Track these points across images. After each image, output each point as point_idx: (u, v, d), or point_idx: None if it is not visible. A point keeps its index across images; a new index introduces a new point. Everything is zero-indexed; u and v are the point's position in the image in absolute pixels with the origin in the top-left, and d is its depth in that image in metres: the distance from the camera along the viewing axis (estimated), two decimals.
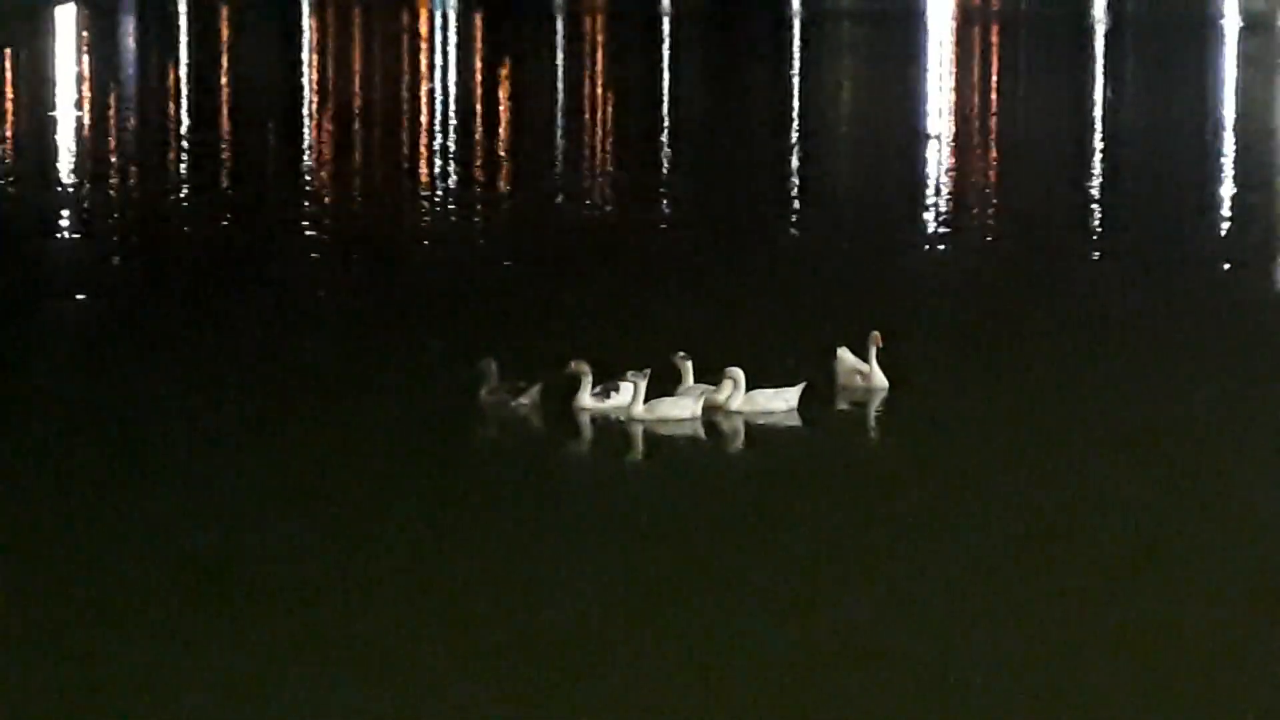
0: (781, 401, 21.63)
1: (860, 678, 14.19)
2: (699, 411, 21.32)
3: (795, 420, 21.74)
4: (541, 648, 14.72)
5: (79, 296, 29.93)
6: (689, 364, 22.13)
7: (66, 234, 37.99)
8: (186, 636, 14.89)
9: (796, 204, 43.60)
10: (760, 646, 14.74)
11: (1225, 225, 39.82)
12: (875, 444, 21.81)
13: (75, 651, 14.65)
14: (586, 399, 21.88)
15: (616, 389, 21.70)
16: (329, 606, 15.55)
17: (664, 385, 21.82)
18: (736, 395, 21.53)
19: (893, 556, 17.11)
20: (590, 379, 21.83)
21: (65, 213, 40.31)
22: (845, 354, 23.20)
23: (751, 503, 18.90)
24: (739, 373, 21.60)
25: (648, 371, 21.37)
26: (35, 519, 18.02)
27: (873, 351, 23.21)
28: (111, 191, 44.12)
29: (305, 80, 75.29)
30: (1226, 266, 33.87)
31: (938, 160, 51.49)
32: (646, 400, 21.20)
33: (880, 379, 23.21)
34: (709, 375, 22.02)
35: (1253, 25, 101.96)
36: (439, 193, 44.58)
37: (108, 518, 18.09)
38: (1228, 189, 45.70)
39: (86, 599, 15.84)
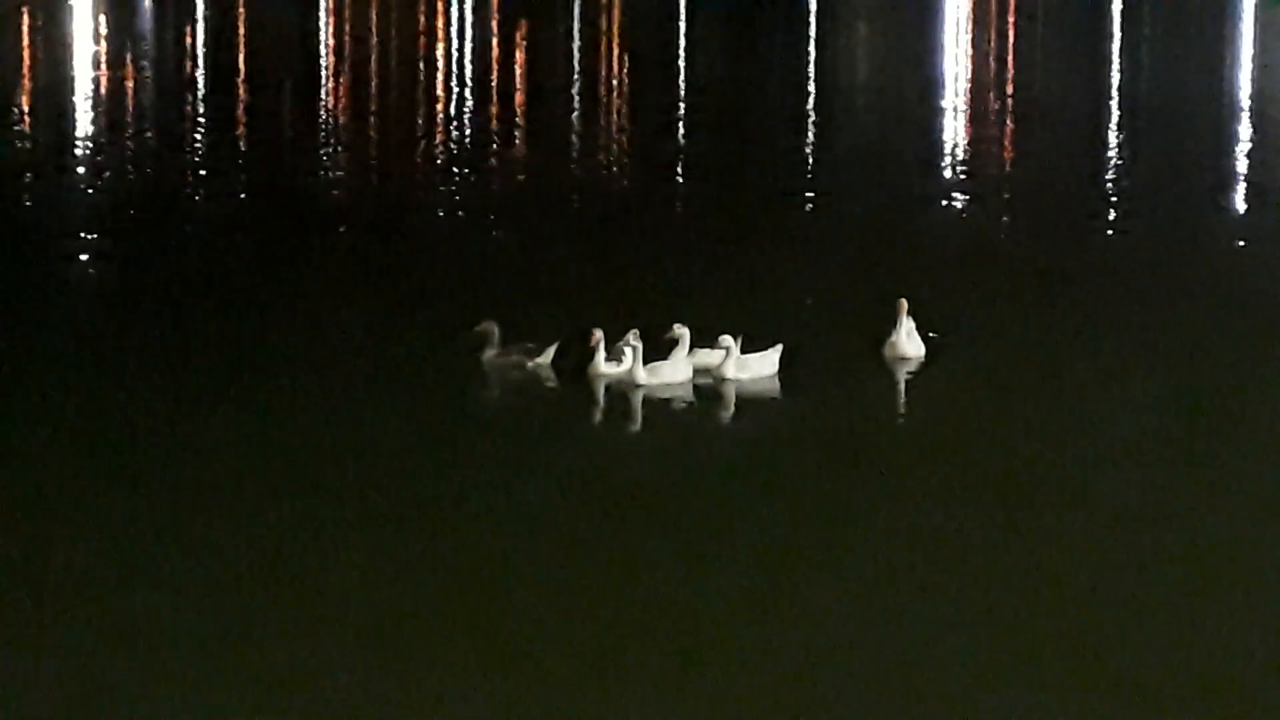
0: (770, 365, 21.33)
1: (860, 644, 13.60)
2: (690, 374, 21.07)
3: (782, 386, 21.28)
4: (539, 616, 14.12)
5: (83, 257, 29.55)
6: (686, 332, 21.40)
7: (77, 193, 37.35)
8: (185, 606, 14.34)
9: (812, 170, 42.81)
10: (763, 616, 14.19)
11: (1241, 186, 39.35)
12: (872, 411, 20.88)
13: (88, 624, 14.04)
14: (602, 364, 21.12)
15: (623, 355, 21.04)
16: (334, 576, 14.97)
17: (665, 353, 21.36)
18: (730, 362, 21.08)
19: (900, 523, 16.56)
20: (603, 344, 21.23)
21: (79, 170, 39.97)
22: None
23: (752, 468, 18.41)
24: (730, 340, 21.21)
25: (636, 333, 21.08)
26: (35, 494, 17.38)
27: (901, 318, 22.35)
28: (126, 151, 43.49)
29: (321, 42, 74.41)
30: (1242, 227, 33.29)
31: (955, 127, 50.55)
32: (646, 365, 20.92)
33: (905, 346, 22.39)
34: (705, 341, 21.62)
35: None
36: (452, 157, 43.95)
37: (111, 480, 17.63)
38: (1243, 150, 45.28)
39: (92, 572, 15.18)
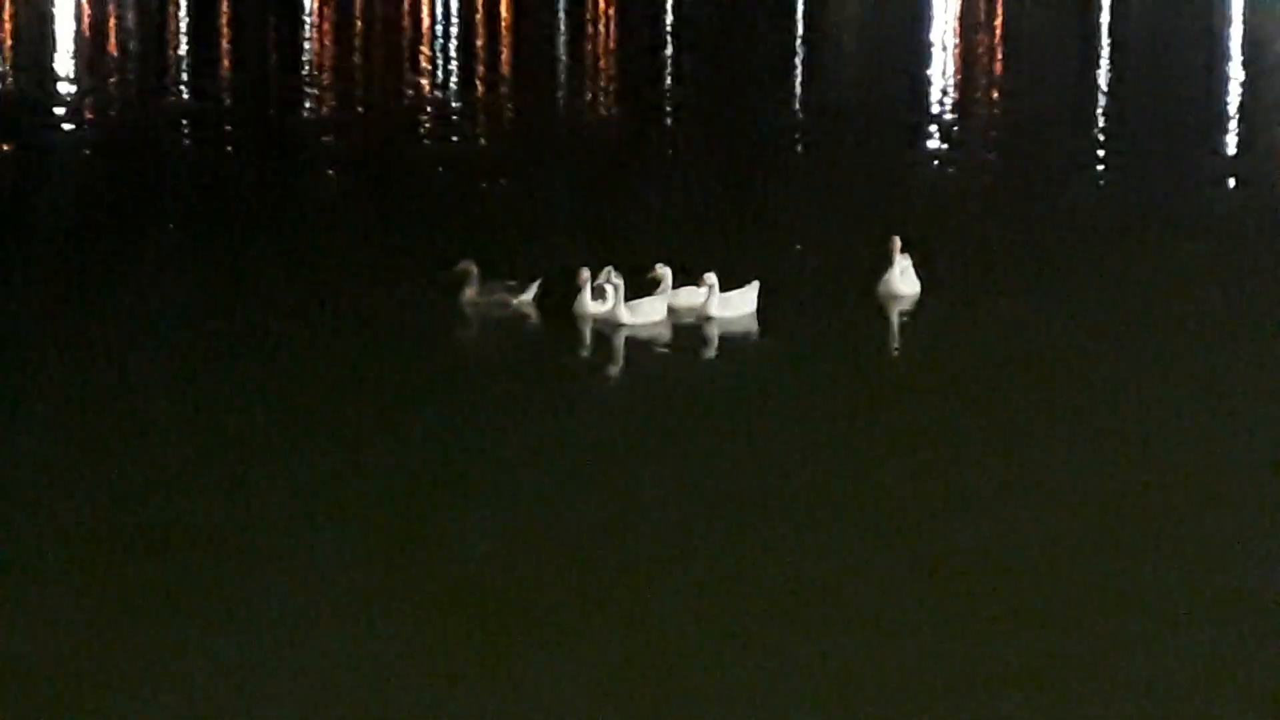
0: (749, 302, 20.93)
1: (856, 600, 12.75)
2: (664, 312, 20.73)
3: (775, 325, 20.70)
4: (524, 561, 13.39)
5: (68, 197, 29.33)
6: (668, 271, 21.01)
7: (60, 132, 37.05)
8: (173, 557, 13.68)
9: (802, 115, 42.49)
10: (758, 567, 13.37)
11: (1231, 128, 39.20)
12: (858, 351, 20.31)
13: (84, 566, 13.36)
14: (588, 303, 20.59)
15: (605, 293, 20.56)
16: (315, 519, 14.36)
17: (647, 291, 21.06)
18: (713, 299, 20.72)
19: (894, 458, 15.99)
20: (590, 284, 20.66)
21: (61, 111, 39.54)
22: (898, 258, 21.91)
23: (745, 406, 17.82)
24: (713, 277, 20.78)
25: (613, 270, 20.64)
26: (26, 431, 16.87)
27: (895, 256, 21.83)
28: (111, 93, 43.16)
29: None
30: (1232, 167, 32.83)
31: (945, 73, 49.99)
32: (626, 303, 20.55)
33: (899, 284, 21.88)
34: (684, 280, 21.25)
35: None
36: (437, 101, 43.43)
37: (96, 429, 16.90)
38: (1233, 93, 45.15)
39: (96, 519, 14.51)
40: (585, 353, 19.80)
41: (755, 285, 21.04)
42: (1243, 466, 15.78)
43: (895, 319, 21.14)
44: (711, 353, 19.93)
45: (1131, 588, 12.98)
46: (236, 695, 11.25)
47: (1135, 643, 12.05)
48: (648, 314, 20.49)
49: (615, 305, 20.35)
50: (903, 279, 21.79)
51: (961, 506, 14.65)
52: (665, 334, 20.27)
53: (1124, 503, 14.79)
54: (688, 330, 20.43)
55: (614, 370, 19.32)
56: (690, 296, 20.92)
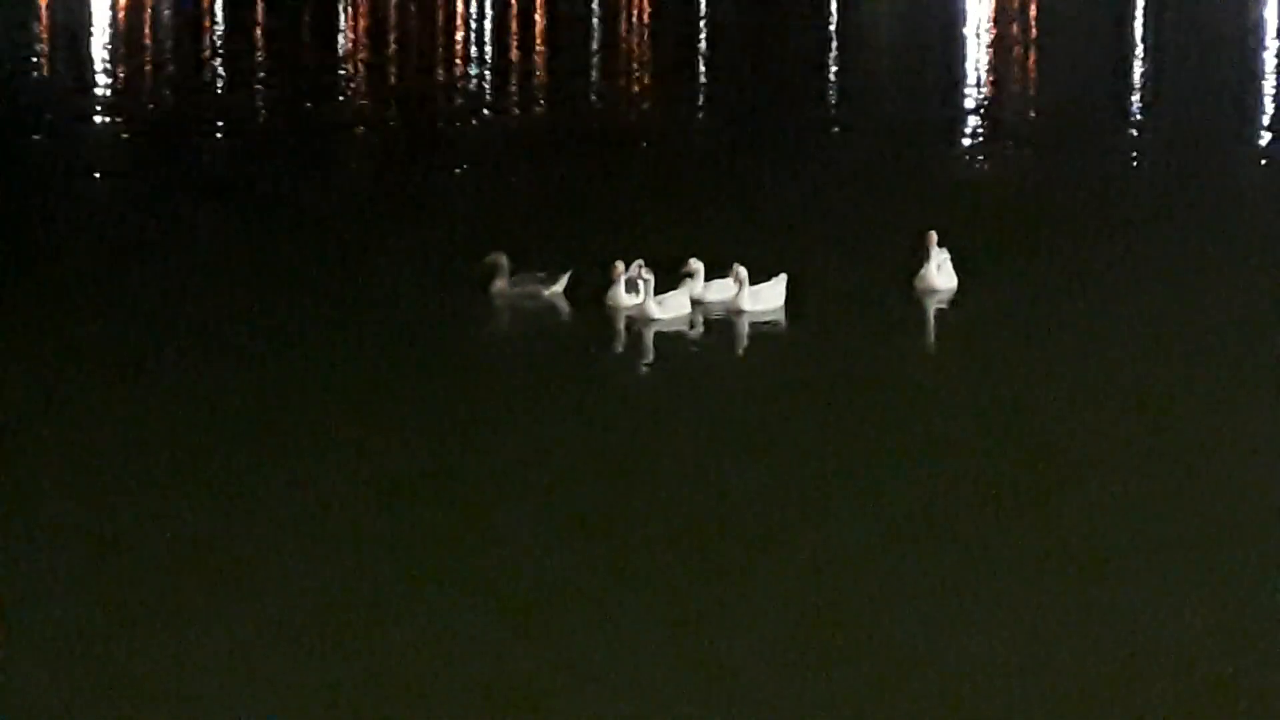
0: (779, 295, 20.56)
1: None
2: (690, 306, 20.39)
3: (810, 319, 20.44)
4: (555, 551, 13.06)
5: (98, 175, 29.35)
6: (700, 266, 20.74)
7: (93, 109, 37.01)
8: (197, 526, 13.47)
9: (836, 106, 42.23)
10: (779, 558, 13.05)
11: (1267, 118, 38.75)
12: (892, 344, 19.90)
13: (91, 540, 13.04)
14: (622, 296, 20.30)
15: (637, 286, 20.24)
16: (343, 509, 14.13)
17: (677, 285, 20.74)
18: (744, 293, 20.42)
19: (927, 453, 15.62)
20: (624, 277, 20.36)
21: (96, 89, 39.36)
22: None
23: (779, 400, 17.48)
24: (744, 271, 20.45)
25: (642, 263, 20.33)
26: (37, 396, 17.07)
27: (931, 250, 21.43)
28: (145, 69, 43.06)
29: None
30: (1270, 157, 32.65)
31: (978, 67, 49.60)
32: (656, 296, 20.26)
33: (935, 279, 21.47)
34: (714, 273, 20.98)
35: None
36: (472, 95, 43.20)
37: (116, 410, 16.79)
38: (1268, 83, 44.77)
39: (105, 493, 14.48)
40: (617, 346, 19.47)
41: (783, 278, 20.67)
42: None
43: (931, 314, 20.76)
44: (743, 347, 19.60)
45: (1172, 585, 12.58)
46: (262, 684, 10.92)
47: (1175, 640, 11.66)
48: (676, 308, 20.15)
49: (645, 299, 20.03)
50: (939, 273, 21.40)
51: (996, 504, 14.28)
52: (696, 328, 19.95)
53: (1163, 500, 14.39)
54: (719, 324, 20.09)
55: (645, 364, 18.98)
56: (721, 290, 20.60)
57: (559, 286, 20.99)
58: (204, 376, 17.78)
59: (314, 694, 10.98)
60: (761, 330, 19.92)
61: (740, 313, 20.28)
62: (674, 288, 20.29)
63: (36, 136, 34.80)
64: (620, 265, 20.27)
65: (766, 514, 14.02)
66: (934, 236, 21.35)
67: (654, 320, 19.88)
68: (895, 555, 13.15)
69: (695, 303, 20.43)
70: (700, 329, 19.89)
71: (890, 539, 13.50)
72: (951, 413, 16.81)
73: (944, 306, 20.94)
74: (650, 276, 20.02)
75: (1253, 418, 16.82)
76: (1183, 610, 12.23)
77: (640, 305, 20.04)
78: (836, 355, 19.07)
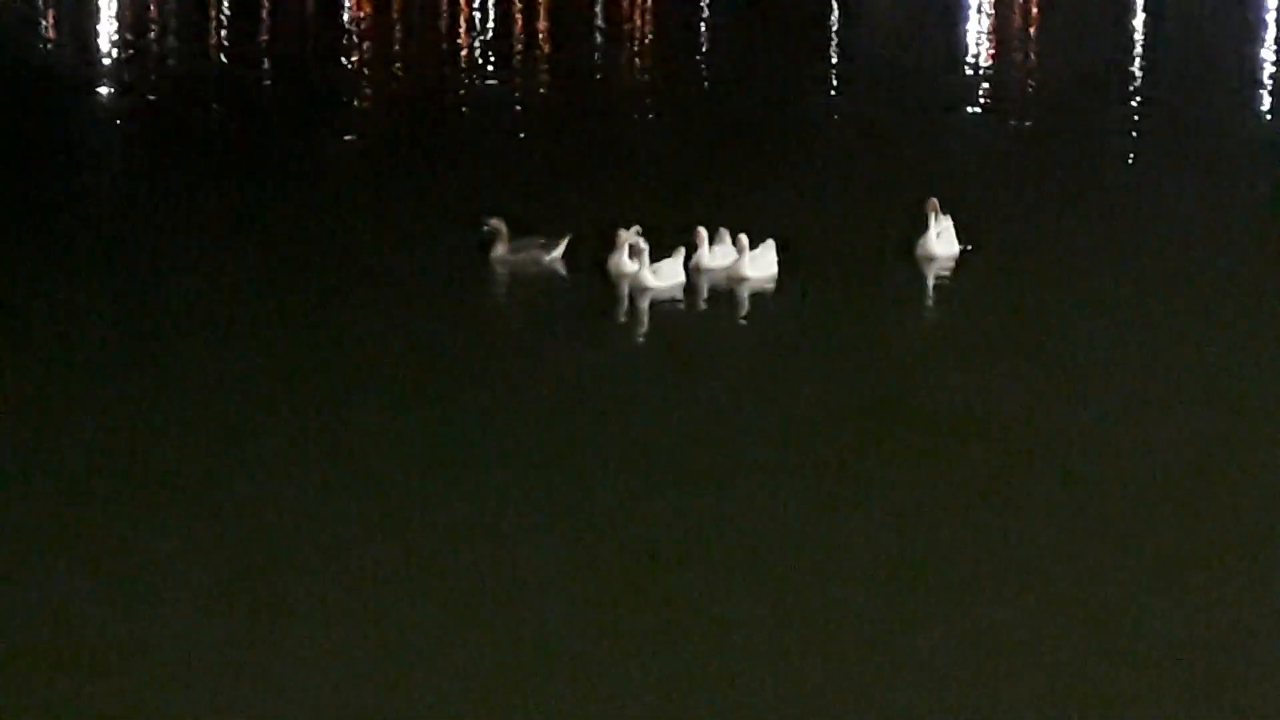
0: (771, 262, 20.31)
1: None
2: (683, 275, 20.09)
3: (811, 287, 20.11)
4: (553, 525, 12.79)
5: (100, 153, 29.32)
6: (704, 233, 20.50)
7: (96, 74, 36.91)
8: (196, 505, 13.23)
9: (837, 76, 41.96)
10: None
11: (1267, 91, 38.62)
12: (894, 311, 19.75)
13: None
14: (625, 263, 19.99)
15: (638, 253, 19.90)
16: (340, 481, 13.82)
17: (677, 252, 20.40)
18: (744, 260, 20.21)
19: (928, 418, 15.35)
20: (626, 244, 20.07)
21: (102, 65, 39.30)
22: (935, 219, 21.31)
23: (779, 367, 17.23)
24: (744, 239, 20.22)
25: (638, 229, 20.14)
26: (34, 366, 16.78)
27: (932, 218, 21.19)
28: (149, 35, 42.94)
29: None
30: (1271, 131, 32.10)
31: (980, 37, 49.37)
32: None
33: (935, 247, 21.23)
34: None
35: None
36: (472, 62, 42.97)
37: (122, 385, 16.46)
38: (1269, 56, 44.66)
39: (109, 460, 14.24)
40: (616, 314, 19.21)
41: (771, 243, 20.38)
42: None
43: (932, 281, 20.53)
44: (743, 314, 19.33)
45: (1175, 564, 12.34)
46: (254, 670, 10.68)
47: (1183, 618, 11.41)
48: (670, 276, 19.86)
49: (640, 267, 19.78)
50: (940, 241, 21.16)
51: (996, 475, 14.01)
52: (695, 295, 19.70)
53: (1168, 471, 14.14)
54: (718, 292, 19.86)
55: (642, 332, 18.73)
56: (721, 257, 20.36)
57: (557, 252, 20.82)
58: (201, 343, 17.56)
59: (300, 667, 10.76)
60: (761, 298, 19.69)
61: (742, 280, 20.06)
62: (675, 255, 20.07)
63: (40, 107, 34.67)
64: (622, 232, 20.05)
65: (765, 485, 13.76)
66: (935, 204, 21.14)
67: (648, 289, 19.66)
68: (894, 529, 12.90)
69: (697, 270, 20.20)
70: (700, 296, 19.67)
71: (890, 512, 13.24)
72: (951, 381, 16.57)
73: (944, 274, 20.72)
74: (644, 246, 19.78)
75: (1254, 384, 16.59)
76: (1180, 573, 12.02)
77: (635, 273, 19.80)
78: (835, 323, 18.84)
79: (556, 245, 20.82)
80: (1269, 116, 35.74)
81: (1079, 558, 12.37)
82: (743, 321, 19.14)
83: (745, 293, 19.75)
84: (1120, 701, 10.32)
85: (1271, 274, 21.05)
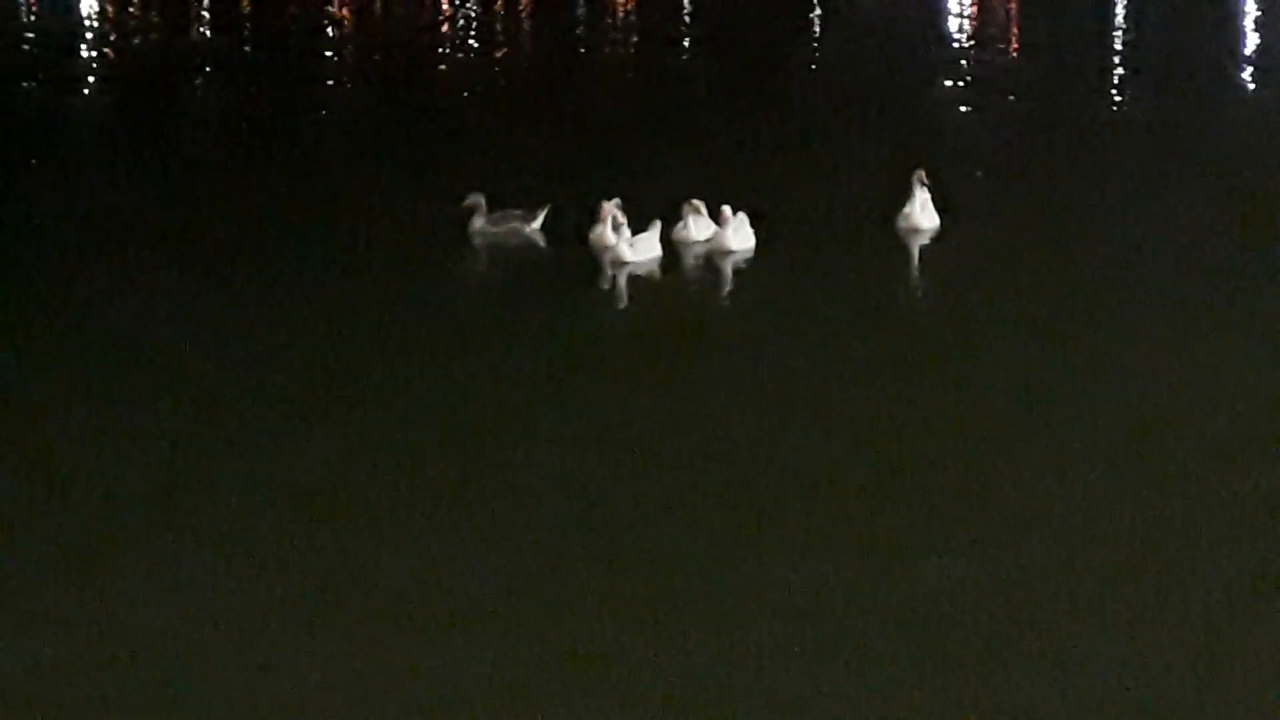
0: (748, 235, 20.00)
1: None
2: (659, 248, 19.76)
3: (792, 258, 19.80)
4: (537, 494, 12.47)
5: (81, 111, 29.29)
6: (702, 205, 20.26)
7: (83, 52, 36.29)
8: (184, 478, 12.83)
9: (820, 47, 41.66)
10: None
11: (1249, 60, 38.76)
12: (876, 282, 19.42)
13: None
14: (608, 235, 19.64)
15: (618, 226, 19.62)
16: (317, 454, 13.59)
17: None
18: (728, 232, 19.90)
19: (914, 389, 15.04)
20: (609, 217, 19.71)
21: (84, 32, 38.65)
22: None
23: (762, 338, 16.93)
24: (729, 210, 19.97)
25: (618, 201, 19.79)
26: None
27: (918, 189, 20.88)
28: (131, 16, 42.74)
29: None
30: (1251, 100, 32.26)
31: (963, 13, 49.19)
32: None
33: (919, 218, 20.92)
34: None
35: None
36: (454, 36, 42.73)
37: (96, 354, 16.42)
38: (1249, 25, 44.72)
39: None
40: (597, 286, 18.94)
41: (743, 217, 20.03)
42: (1267, 401, 14.80)
43: (915, 253, 20.27)
44: (727, 285, 19.06)
45: (1154, 536, 12.06)
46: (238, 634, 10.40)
47: (1169, 578, 11.16)
48: (647, 250, 19.54)
49: (619, 241, 19.48)
50: (923, 213, 20.87)
51: (980, 447, 13.72)
52: (676, 268, 19.43)
53: (1148, 444, 13.86)
54: (699, 264, 19.63)
55: (623, 304, 18.47)
56: (703, 229, 20.09)
57: (536, 223, 20.63)
58: (178, 319, 17.34)
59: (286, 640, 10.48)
60: (744, 269, 19.42)
61: (726, 252, 19.77)
62: (666, 229, 19.82)
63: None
64: (605, 205, 19.75)
65: (748, 454, 13.51)
66: (923, 174, 20.82)
67: (626, 262, 19.36)
68: (879, 496, 12.65)
69: (680, 243, 19.95)
70: (681, 269, 19.42)
71: (874, 480, 12.99)
72: (936, 351, 16.31)
73: (927, 244, 20.48)
74: (624, 218, 19.50)
75: (1237, 347, 16.35)
76: (1180, 556, 11.77)
77: (614, 247, 19.49)
78: (816, 295, 18.57)
79: (536, 216, 20.62)
80: (1251, 84, 35.63)
81: (1064, 519, 12.12)
82: (726, 293, 18.90)
83: (728, 265, 19.48)
84: (1104, 658, 10.08)
85: (1255, 237, 20.82)
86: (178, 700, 9.82)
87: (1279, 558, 11.49)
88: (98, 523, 12.17)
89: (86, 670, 10.12)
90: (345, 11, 46.52)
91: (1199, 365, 15.98)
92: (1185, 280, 19.11)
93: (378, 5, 50.03)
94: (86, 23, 44.46)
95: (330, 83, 35.00)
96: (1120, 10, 52.88)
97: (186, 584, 11.15)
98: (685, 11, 49.99)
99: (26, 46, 40.18)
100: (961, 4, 51.08)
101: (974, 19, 48.03)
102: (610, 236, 19.56)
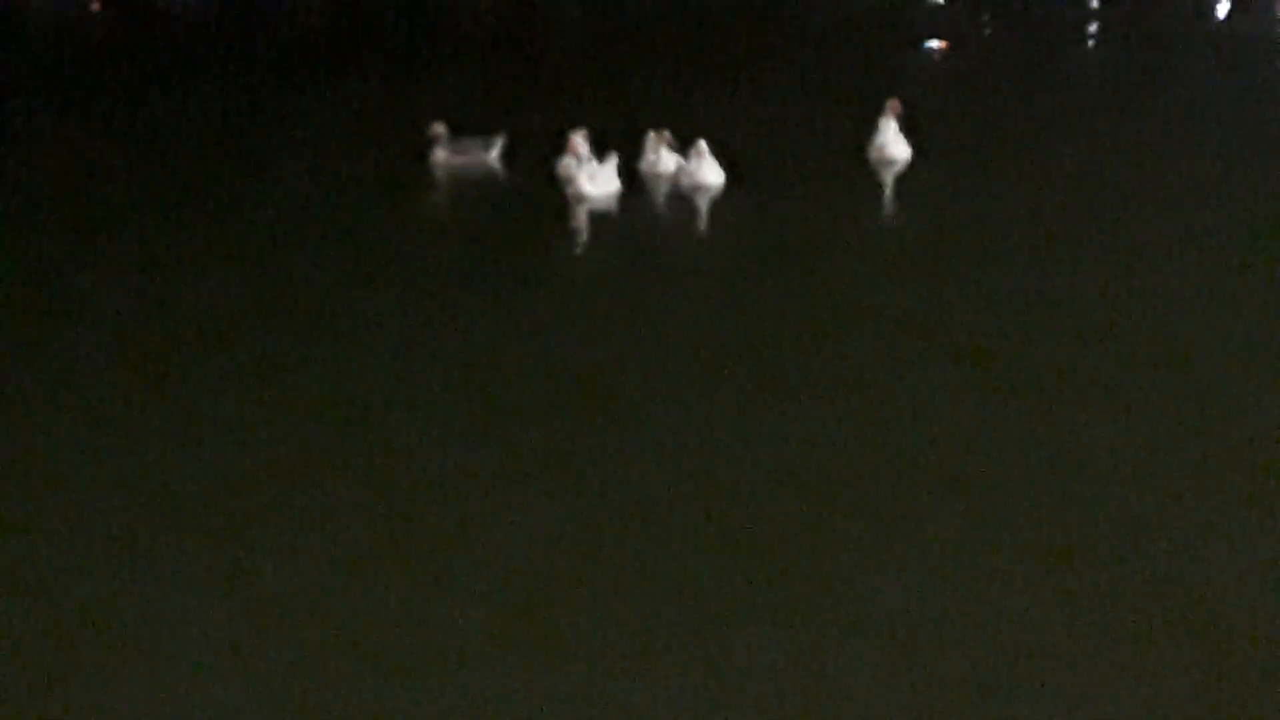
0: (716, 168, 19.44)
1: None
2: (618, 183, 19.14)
3: (762, 189, 19.21)
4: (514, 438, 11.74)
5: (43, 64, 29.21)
6: (666, 134, 19.76)
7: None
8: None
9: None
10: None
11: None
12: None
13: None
14: (573, 167, 19.08)
15: (586, 158, 19.08)
16: (279, 399, 12.80)
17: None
18: (702, 163, 19.33)
19: (887, 319, 14.30)
20: (577, 149, 19.16)
21: None
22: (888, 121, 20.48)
23: (734, 267, 16.43)
24: (703, 144, 19.36)
25: (585, 133, 19.25)
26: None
27: (890, 120, 20.40)
28: None
29: None
30: (1224, 36, 31.86)
31: None
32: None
33: (893, 149, 20.44)
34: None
35: None
36: None
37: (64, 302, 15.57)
38: None
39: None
40: (559, 218, 18.25)
41: (703, 143, 19.43)
42: (1236, 340, 14.14)
43: (888, 183, 19.69)
44: (698, 219, 18.42)
45: (1134, 465, 11.38)
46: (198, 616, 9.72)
47: (1145, 521, 10.52)
48: (605, 184, 18.90)
49: (580, 173, 18.85)
50: (895, 142, 20.34)
51: (954, 375, 13.07)
52: (641, 200, 18.79)
53: (1126, 368, 13.24)
54: (665, 196, 19.03)
55: (585, 238, 17.77)
56: (675, 162, 19.52)
57: (494, 152, 20.18)
58: (142, 253, 16.71)
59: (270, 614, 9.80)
60: (716, 202, 18.79)
61: (698, 187, 19.14)
62: (606, 160, 19.17)
63: None
64: (573, 137, 19.12)
65: (722, 396, 12.76)
66: (897, 104, 20.31)
67: (585, 196, 18.70)
68: (851, 431, 11.95)
69: (648, 175, 19.38)
70: (646, 201, 18.80)
71: (846, 414, 12.30)
72: (907, 283, 15.64)
73: (899, 174, 19.92)
74: (585, 150, 18.92)
75: (1219, 289, 15.73)
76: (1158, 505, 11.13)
77: (576, 180, 18.87)
78: (790, 227, 17.92)
79: (493, 145, 20.21)
80: (1229, 14, 35.28)
81: (1036, 457, 11.46)
82: (698, 227, 18.27)
83: (700, 198, 18.85)
84: (1083, 609, 9.46)
85: (1229, 177, 20.28)
86: (165, 700, 9.18)
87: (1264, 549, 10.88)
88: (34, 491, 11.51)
89: (64, 666, 9.45)
90: None
91: (1177, 290, 15.42)
92: (1163, 206, 18.65)
93: None
94: None
95: (292, 14, 34.40)
96: None
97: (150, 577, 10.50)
98: None
99: None
100: None
101: None
102: (574, 167, 18.95)
